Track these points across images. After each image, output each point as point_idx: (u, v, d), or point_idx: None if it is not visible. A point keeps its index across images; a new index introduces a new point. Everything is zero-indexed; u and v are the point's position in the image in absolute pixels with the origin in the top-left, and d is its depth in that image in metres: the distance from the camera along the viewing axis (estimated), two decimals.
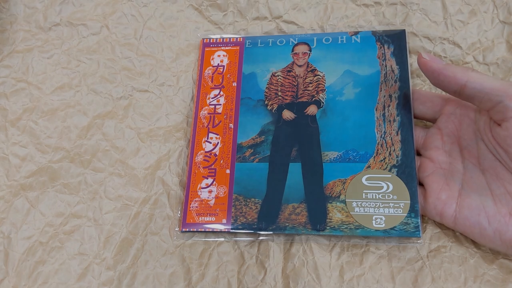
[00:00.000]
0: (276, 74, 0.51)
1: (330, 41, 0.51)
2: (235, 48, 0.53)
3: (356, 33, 0.51)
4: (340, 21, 0.54)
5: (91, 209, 0.50)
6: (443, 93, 0.45)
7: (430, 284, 0.43)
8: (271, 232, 0.45)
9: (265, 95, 0.50)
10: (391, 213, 0.43)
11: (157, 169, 0.51)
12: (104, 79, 0.55)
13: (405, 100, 0.47)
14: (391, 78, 0.48)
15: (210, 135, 0.50)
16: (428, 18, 0.53)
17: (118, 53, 0.56)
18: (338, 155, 0.46)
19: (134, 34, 0.57)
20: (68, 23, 0.58)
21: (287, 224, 0.45)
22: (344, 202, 0.45)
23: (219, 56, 0.53)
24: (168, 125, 0.53)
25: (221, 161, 0.48)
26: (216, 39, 0.54)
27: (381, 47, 0.50)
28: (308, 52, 0.51)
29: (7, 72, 0.56)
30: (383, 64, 0.49)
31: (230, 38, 0.54)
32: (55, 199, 0.50)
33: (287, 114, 0.49)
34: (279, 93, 0.50)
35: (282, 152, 0.48)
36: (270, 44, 0.53)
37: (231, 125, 0.50)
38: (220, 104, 0.51)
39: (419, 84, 0.50)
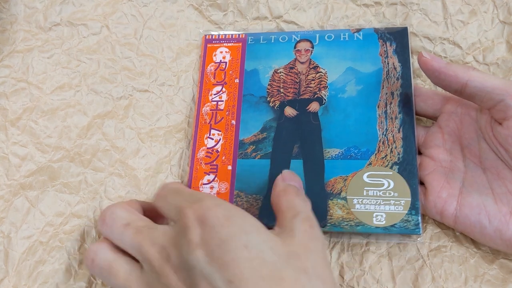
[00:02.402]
0: (278, 71, 0.52)
1: (332, 38, 0.53)
2: (237, 44, 0.55)
3: (358, 30, 0.52)
4: (340, 21, 0.56)
5: (92, 209, 0.50)
6: (445, 91, 0.46)
7: (430, 283, 0.44)
8: None
9: (267, 91, 0.52)
10: (392, 210, 0.44)
11: (158, 171, 0.52)
12: (104, 79, 0.56)
13: (406, 98, 0.48)
14: (393, 75, 0.50)
15: (212, 131, 0.51)
16: (428, 18, 0.54)
17: (118, 53, 0.57)
18: (339, 152, 0.47)
19: (134, 34, 0.58)
20: (68, 23, 0.59)
21: None
22: (345, 199, 0.46)
23: (221, 52, 0.55)
24: (169, 125, 0.54)
25: (223, 158, 0.50)
26: (219, 35, 0.56)
27: (383, 45, 0.51)
28: (311, 49, 0.53)
29: (7, 72, 0.57)
30: (385, 62, 0.50)
31: (232, 35, 0.55)
32: (55, 198, 0.51)
33: (289, 111, 0.50)
34: (281, 90, 0.51)
35: (284, 149, 0.49)
36: (273, 41, 0.54)
37: (233, 122, 0.51)
38: (222, 101, 0.52)
39: (420, 84, 0.51)
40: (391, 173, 0.46)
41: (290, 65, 0.52)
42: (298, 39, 0.53)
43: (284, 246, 0.36)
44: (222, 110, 0.52)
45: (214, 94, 0.53)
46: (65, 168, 0.52)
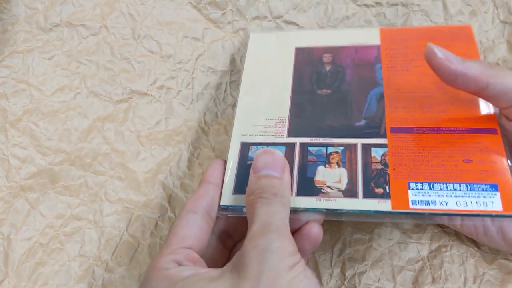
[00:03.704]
0: None
1: None
2: None
3: None
4: (340, 21, 0.57)
5: (92, 212, 0.51)
6: None
7: (430, 284, 0.45)
8: None
9: None
10: None
11: (157, 173, 0.52)
12: (104, 82, 0.57)
13: None
14: None
15: None
16: (429, 19, 0.55)
17: (117, 55, 0.58)
18: None
19: (132, 34, 0.59)
20: (68, 24, 0.59)
21: None
22: None
23: None
24: (168, 128, 0.54)
25: None
26: None
27: None
28: None
29: (7, 72, 0.57)
30: None
31: None
32: (55, 200, 0.52)
33: None
34: None
35: None
36: None
37: None
38: None
39: None
40: None
41: None
42: None
43: None
44: None
45: None
46: (66, 171, 0.53)
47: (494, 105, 0.43)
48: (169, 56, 0.58)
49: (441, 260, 0.46)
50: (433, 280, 0.46)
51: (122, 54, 0.58)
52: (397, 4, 0.56)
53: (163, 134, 0.54)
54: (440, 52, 0.41)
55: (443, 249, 0.47)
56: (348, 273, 0.47)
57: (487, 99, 0.43)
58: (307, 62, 0.51)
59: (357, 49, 0.51)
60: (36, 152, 0.54)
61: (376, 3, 0.57)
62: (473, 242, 0.47)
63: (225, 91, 0.56)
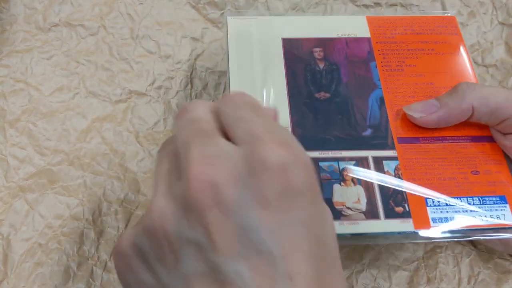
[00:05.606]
0: None
1: None
2: None
3: None
4: None
5: (90, 212, 0.51)
6: None
7: (425, 284, 0.47)
8: None
9: None
10: None
11: None
12: (102, 82, 0.57)
13: None
14: None
15: None
16: None
17: (116, 55, 0.58)
18: None
19: (131, 34, 0.59)
20: (67, 24, 0.60)
21: None
22: None
23: None
24: (167, 128, 0.55)
25: None
26: None
27: None
28: None
29: (5, 72, 0.58)
30: None
31: None
32: (54, 201, 0.52)
33: None
34: None
35: None
36: None
37: None
38: None
39: None
40: None
41: None
42: None
43: None
44: None
45: None
46: (65, 172, 0.53)
47: (487, 123, 0.44)
48: (167, 56, 0.58)
49: (436, 261, 0.47)
50: (428, 280, 0.47)
51: (120, 54, 0.59)
52: (396, 5, 0.57)
53: (162, 134, 0.55)
54: (416, 113, 0.44)
55: (438, 250, 0.48)
56: (345, 273, 0.48)
57: (479, 120, 0.44)
58: (298, 56, 0.50)
59: (347, 41, 0.50)
60: (34, 152, 0.54)
61: (375, 3, 0.57)
62: (469, 241, 0.48)
63: (223, 91, 0.57)
